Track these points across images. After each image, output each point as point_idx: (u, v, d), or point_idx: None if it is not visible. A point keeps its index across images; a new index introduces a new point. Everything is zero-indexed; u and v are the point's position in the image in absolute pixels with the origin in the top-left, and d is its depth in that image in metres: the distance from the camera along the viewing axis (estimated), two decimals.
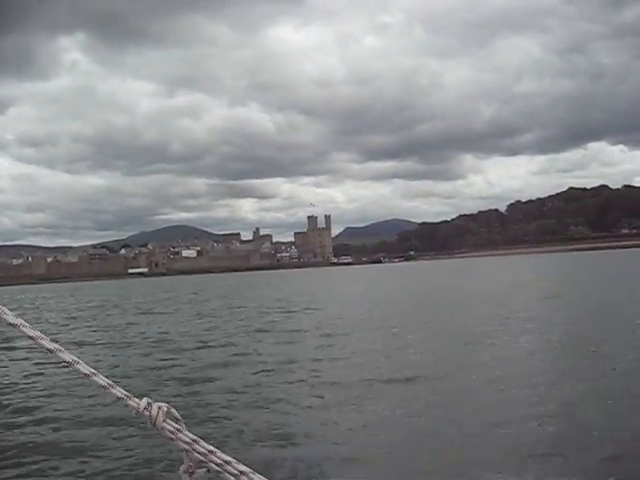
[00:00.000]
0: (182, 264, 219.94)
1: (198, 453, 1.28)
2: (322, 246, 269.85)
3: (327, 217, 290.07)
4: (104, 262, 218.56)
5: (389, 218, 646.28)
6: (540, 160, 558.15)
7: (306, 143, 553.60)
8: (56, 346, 1.17)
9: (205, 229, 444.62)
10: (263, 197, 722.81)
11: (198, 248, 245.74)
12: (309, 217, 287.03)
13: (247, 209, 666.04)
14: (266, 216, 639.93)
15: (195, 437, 1.30)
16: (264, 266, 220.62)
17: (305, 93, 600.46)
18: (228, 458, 1.31)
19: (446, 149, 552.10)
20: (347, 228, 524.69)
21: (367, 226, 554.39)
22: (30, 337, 1.15)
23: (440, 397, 9.98)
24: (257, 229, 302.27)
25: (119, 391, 1.21)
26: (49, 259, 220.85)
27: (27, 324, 1.14)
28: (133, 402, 1.22)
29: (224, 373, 13.35)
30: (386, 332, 17.57)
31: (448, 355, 13.49)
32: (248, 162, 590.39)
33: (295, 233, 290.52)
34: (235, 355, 15.57)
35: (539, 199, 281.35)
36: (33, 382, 13.57)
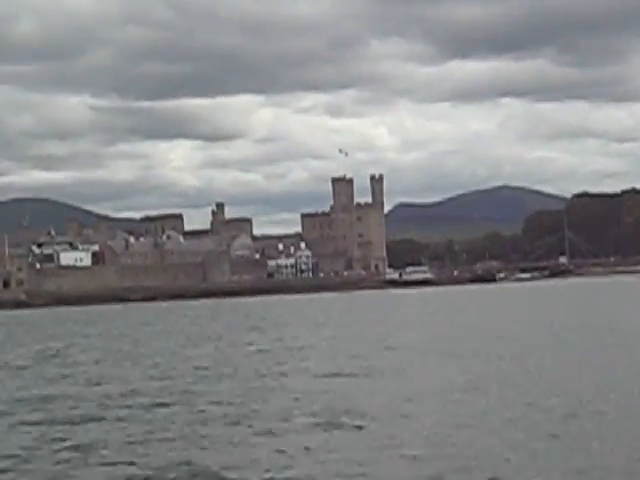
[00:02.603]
0: (61, 281, 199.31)
1: None
2: (367, 243, 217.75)
3: (374, 180, 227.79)
4: None
5: (495, 185, 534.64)
6: None
7: (309, 19, 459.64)
8: None
9: (90, 208, 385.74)
10: (213, 138, 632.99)
11: (95, 247, 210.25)
12: (335, 180, 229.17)
13: (178, 163, 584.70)
14: (220, 177, 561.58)
15: None
16: (242, 287, 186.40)
17: None
18: None
19: (619, 32, 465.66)
20: (399, 205, 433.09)
21: (443, 202, 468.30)
22: None
23: None
24: (220, 205, 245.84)
25: None
26: None
27: None
28: None
29: None
30: None
31: None
32: (182, 61, 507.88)
33: (303, 215, 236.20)
34: None
35: None
36: None
